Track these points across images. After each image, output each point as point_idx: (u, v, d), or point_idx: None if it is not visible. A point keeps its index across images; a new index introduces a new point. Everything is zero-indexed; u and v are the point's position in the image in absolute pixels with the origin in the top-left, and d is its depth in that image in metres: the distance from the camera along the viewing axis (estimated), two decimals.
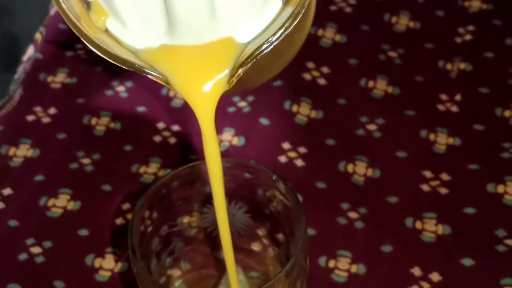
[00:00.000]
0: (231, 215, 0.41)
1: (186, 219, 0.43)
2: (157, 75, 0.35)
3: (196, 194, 0.42)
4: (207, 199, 0.42)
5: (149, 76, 0.35)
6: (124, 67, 0.35)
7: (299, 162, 0.52)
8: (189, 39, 0.35)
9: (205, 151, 0.37)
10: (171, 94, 0.57)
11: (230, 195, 0.42)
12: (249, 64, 0.34)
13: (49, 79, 0.58)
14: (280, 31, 0.34)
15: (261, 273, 0.45)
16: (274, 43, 0.34)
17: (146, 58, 0.35)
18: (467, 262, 0.47)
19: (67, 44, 0.60)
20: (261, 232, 0.44)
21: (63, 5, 0.34)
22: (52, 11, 0.62)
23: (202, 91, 0.35)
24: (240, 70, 0.34)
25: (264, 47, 0.34)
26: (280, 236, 0.42)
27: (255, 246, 0.45)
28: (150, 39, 0.35)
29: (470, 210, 0.49)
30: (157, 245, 0.41)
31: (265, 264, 0.45)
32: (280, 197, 0.40)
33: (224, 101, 0.56)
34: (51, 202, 0.51)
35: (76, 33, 0.34)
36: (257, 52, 0.34)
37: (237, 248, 0.40)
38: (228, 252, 0.39)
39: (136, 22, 0.35)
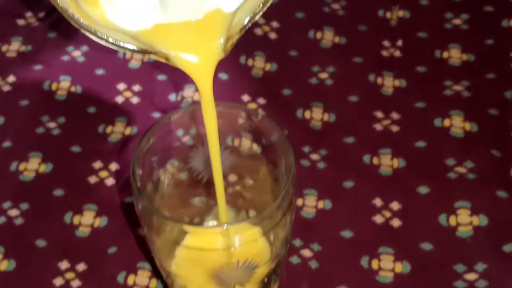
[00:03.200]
0: None
1: (174, 164, 0.48)
2: (154, 53, 0.40)
3: (183, 140, 0.48)
4: (195, 145, 0.48)
5: (151, 56, 0.40)
6: (123, 50, 0.39)
7: (260, 112, 0.58)
8: (180, 15, 0.39)
9: (204, 113, 0.42)
10: (128, 56, 0.62)
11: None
12: (243, 32, 0.39)
13: (4, 48, 0.62)
14: None
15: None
16: (264, 10, 0.39)
17: (144, 39, 0.39)
18: (423, 190, 0.54)
19: (18, 13, 0.64)
20: (247, 171, 0.50)
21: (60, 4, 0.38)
22: None
23: (199, 62, 0.40)
24: (235, 38, 0.39)
25: (257, 17, 0.39)
26: (267, 173, 0.48)
27: (240, 186, 0.51)
28: (144, 20, 0.39)
29: (421, 144, 0.56)
30: (150, 189, 0.46)
31: (254, 202, 0.50)
32: (266, 134, 0.46)
33: None
34: (22, 166, 0.55)
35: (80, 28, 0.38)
36: (251, 21, 0.39)
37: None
38: (219, 190, 0.45)
39: (126, 3, 0.39)
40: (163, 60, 0.40)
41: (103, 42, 0.39)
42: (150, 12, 0.39)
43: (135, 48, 0.39)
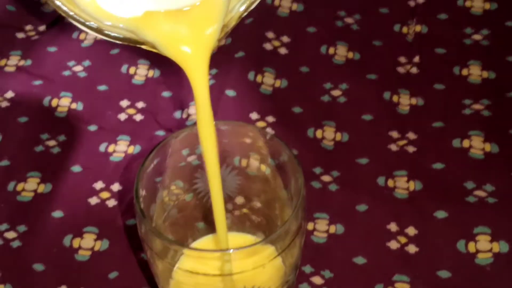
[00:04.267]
0: (223, 180, 0.46)
1: (179, 185, 0.47)
2: (144, 43, 0.39)
3: (188, 159, 0.47)
4: (201, 165, 0.47)
5: (142, 46, 0.39)
6: (114, 40, 0.39)
7: (269, 131, 0.57)
8: (172, 3, 0.39)
9: (198, 113, 0.41)
10: (131, 71, 0.61)
11: (222, 158, 0.47)
12: (239, 20, 0.39)
13: (2, 62, 0.61)
14: None
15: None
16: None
17: (133, 27, 0.39)
18: (440, 214, 0.53)
19: (17, 26, 0.63)
20: (255, 193, 0.49)
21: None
22: None
23: (193, 51, 0.39)
24: (229, 27, 0.39)
25: (254, 5, 0.38)
26: (276, 195, 0.47)
27: (248, 209, 0.49)
28: (135, 7, 0.38)
29: (438, 166, 0.55)
30: (154, 211, 0.45)
31: (261, 226, 0.49)
32: (275, 154, 0.45)
33: None
34: (20, 186, 0.54)
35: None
36: (247, 9, 0.38)
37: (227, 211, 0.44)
38: (219, 216, 0.43)
39: None
40: (149, 48, 0.39)
41: (87, 30, 0.38)
42: None
43: (121, 36, 0.38)
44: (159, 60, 0.61)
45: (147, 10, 0.39)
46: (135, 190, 0.44)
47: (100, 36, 0.38)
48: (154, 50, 0.39)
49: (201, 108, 0.41)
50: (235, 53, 0.61)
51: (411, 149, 0.56)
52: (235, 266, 0.42)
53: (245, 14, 0.39)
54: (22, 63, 0.61)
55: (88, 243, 0.52)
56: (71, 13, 0.38)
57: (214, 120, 0.41)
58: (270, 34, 0.62)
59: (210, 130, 0.41)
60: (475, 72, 0.60)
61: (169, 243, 0.43)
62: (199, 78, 0.40)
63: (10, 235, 0.52)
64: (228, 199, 0.47)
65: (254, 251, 0.42)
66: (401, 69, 0.61)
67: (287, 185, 0.46)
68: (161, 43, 0.39)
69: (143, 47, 0.39)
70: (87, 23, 0.38)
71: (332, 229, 0.52)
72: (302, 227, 0.43)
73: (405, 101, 0.59)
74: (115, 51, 0.62)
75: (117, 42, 0.39)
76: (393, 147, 0.56)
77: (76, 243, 0.52)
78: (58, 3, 0.38)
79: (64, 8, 0.38)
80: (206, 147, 0.42)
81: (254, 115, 0.58)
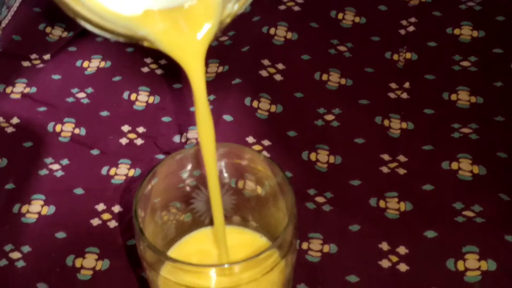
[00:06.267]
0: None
1: (176, 206, 0.49)
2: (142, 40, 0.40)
3: (186, 181, 0.48)
4: (197, 186, 0.49)
5: (143, 43, 0.41)
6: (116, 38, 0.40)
7: (264, 154, 0.59)
8: (171, 1, 0.40)
9: (197, 116, 0.43)
10: (132, 98, 0.63)
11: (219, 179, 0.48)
12: (237, 15, 0.41)
13: (8, 90, 0.63)
14: None
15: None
16: None
17: (133, 26, 0.40)
18: (430, 234, 0.54)
19: (23, 55, 0.65)
20: (251, 212, 0.50)
21: None
22: (4, 23, 0.67)
23: (191, 44, 0.40)
24: (226, 22, 0.40)
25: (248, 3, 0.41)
26: (270, 215, 0.49)
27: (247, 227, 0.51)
28: (134, 4, 0.40)
29: (428, 187, 0.57)
30: (153, 231, 0.47)
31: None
32: (269, 176, 0.47)
33: (187, 101, 0.62)
34: (24, 208, 0.56)
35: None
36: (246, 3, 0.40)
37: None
38: (220, 232, 0.45)
39: None
40: (147, 45, 0.41)
41: (90, 27, 0.39)
42: None
43: (122, 34, 0.40)
44: (159, 87, 0.64)
45: (147, 8, 0.40)
46: (134, 210, 0.45)
47: (102, 34, 0.40)
48: (153, 47, 0.41)
49: (200, 105, 0.42)
50: (232, 79, 0.63)
51: (401, 171, 0.58)
52: (231, 280, 0.43)
53: (239, 12, 0.41)
54: (27, 90, 0.63)
55: (90, 263, 0.53)
56: (77, 9, 0.39)
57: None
58: (266, 62, 0.64)
59: (208, 123, 0.44)
60: (463, 97, 0.62)
61: (168, 261, 0.44)
62: (196, 72, 0.42)
63: (15, 255, 0.54)
64: (224, 218, 0.49)
65: (247, 266, 0.43)
66: (392, 95, 0.63)
67: (279, 206, 0.48)
68: (160, 40, 0.40)
69: (145, 44, 0.41)
70: (91, 20, 0.40)
71: (326, 248, 0.54)
72: (293, 245, 0.45)
73: (396, 125, 0.61)
74: (117, 78, 0.64)
75: (119, 39, 0.41)
76: (385, 169, 0.58)
77: (78, 263, 0.53)
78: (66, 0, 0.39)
79: (71, 6, 0.39)
80: (202, 131, 0.44)
81: (250, 139, 0.60)
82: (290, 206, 0.44)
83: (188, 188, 0.49)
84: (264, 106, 0.62)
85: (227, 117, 0.61)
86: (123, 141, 0.60)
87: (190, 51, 0.41)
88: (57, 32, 0.68)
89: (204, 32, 0.40)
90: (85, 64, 0.65)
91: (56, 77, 0.64)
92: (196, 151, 0.48)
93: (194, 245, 0.50)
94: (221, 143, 0.48)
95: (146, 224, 0.47)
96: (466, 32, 0.67)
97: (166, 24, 0.40)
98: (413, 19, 0.67)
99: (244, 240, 0.50)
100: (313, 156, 0.59)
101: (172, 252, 0.50)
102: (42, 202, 0.56)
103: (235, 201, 0.50)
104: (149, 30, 0.40)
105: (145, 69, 0.65)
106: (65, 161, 0.59)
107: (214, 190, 0.45)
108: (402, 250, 0.54)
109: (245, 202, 0.50)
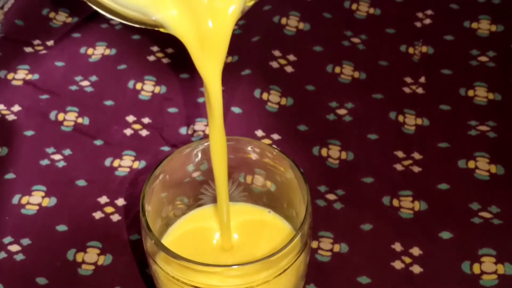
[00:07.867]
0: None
1: (184, 201, 0.47)
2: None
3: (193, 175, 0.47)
4: (206, 181, 0.47)
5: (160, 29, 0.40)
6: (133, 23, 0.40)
7: (274, 148, 0.57)
8: None
9: (209, 107, 0.43)
10: (138, 87, 0.61)
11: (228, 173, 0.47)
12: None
13: (9, 76, 0.61)
14: None
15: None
16: None
17: (147, 10, 0.39)
18: (445, 235, 0.53)
19: (25, 41, 0.64)
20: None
21: None
22: (7, 7, 0.65)
23: (216, 30, 0.40)
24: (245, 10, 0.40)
25: None
26: (281, 212, 0.47)
27: None
28: None
29: (443, 186, 0.55)
30: (159, 226, 0.45)
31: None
32: (281, 171, 0.45)
33: (195, 92, 0.60)
34: (24, 199, 0.54)
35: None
36: None
37: None
38: (221, 187, 0.44)
39: None
40: (162, 30, 0.40)
41: (105, 13, 0.39)
42: None
43: (137, 20, 0.39)
44: (165, 76, 0.62)
45: None
46: (141, 205, 0.44)
47: (118, 19, 0.39)
48: (171, 33, 0.40)
49: (213, 102, 0.43)
50: (241, 70, 0.61)
51: (416, 169, 0.56)
52: (242, 281, 0.42)
53: None
54: (29, 77, 0.61)
55: (91, 257, 0.52)
56: None
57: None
58: (277, 53, 0.62)
59: (218, 107, 0.44)
60: (481, 94, 0.61)
61: (175, 258, 0.43)
62: (214, 61, 0.43)
63: (14, 248, 0.52)
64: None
65: (260, 267, 0.42)
66: (407, 89, 0.61)
67: (292, 203, 0.46)
68: (174, 26, 0.39)
69: (161, 30, 0.40)
70: (106, 5, 0.39)
71: (337, 248, 0.52)
72: (307, 245, 0.43)
73: (410, 121, 0.59)
74: (122, 66, 0.62)
75: (135, 25, 0.40)
76: (399, 166, 0.56)
77: (79, 257, 0.52)
78: None
79: None
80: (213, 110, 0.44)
81: (259, 133, 0.58)
82: (306, 203, 0.42)
83: (195, 183, 0.47)
84: (274, 98, 0.60)
85: (236, 109, 0.59)
86: (128, 132, 0.58)
87: (215, 36, 0.40)
88: (61, 18, 0.66)
89: (227, 16, 0.39)
90: (90, 51, 0.63)
91: (59, 64, 0.62)
92: (203, 145, 0.46)
93: (193, 223, 0.49)
94: (230, 136, 0.46)
95: (153, 219, 0.45)
96: (484, 26, 0.65)
97: (181, 9, 0.38)
98: (429, 12, 0.66)
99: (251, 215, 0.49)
100: (324, 152, 0.57)
101: (170, 233, 0.49)
102: (43, 194, 0.55)
103: (244, 196, 0.48)
104: (164, 15, 0.38)
105: (151, 58, 0.63)
106: (67, 151, 0.57)
107: (222, 188, 0.43)
108: (416, 251, 0.52)
109: (255, 197, 0.48)
